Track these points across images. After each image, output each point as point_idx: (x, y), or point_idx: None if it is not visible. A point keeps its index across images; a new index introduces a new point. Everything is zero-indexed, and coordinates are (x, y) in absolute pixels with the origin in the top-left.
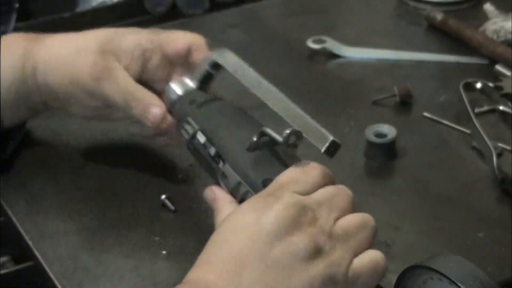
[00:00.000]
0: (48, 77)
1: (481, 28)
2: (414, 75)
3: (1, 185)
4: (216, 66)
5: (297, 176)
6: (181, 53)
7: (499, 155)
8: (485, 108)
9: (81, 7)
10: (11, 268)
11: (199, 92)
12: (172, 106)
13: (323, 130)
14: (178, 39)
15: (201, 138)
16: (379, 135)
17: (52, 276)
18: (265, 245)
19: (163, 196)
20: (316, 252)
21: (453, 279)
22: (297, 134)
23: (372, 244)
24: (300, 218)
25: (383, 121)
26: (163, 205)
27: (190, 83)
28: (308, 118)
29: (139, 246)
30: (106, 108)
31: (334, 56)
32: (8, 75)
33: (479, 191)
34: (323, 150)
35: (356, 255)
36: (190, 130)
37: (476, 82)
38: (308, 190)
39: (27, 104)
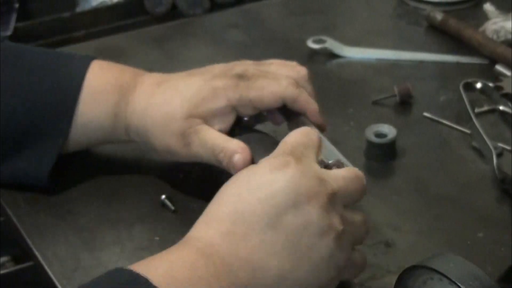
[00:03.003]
0: (140, 137)
1: (481, 28)
2: (414, 75)
3: (1, 185)
4: None
5: (303, 140)
6: (274, 107)
7: (499, 155)
8: (485, 108)
9: (81, 7)
10: (11, 268)
11: None
12: None
13: None
14: (270, 95)
15: None
16: (379, 135)
17: (52, 276)
18: (278, 210)
19: (163, 196)
20: (328, 229)
21: (453, 279)
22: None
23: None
24: (319, 188)
25: (383, 121)
26: (163, 205)
27: None
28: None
29: (139, 246)
30: None
31: (334, 56)
32: (95, 125)
33: (479, 191)
34: None
35: (353, 247)
36: None
37: (476, 82)
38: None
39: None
